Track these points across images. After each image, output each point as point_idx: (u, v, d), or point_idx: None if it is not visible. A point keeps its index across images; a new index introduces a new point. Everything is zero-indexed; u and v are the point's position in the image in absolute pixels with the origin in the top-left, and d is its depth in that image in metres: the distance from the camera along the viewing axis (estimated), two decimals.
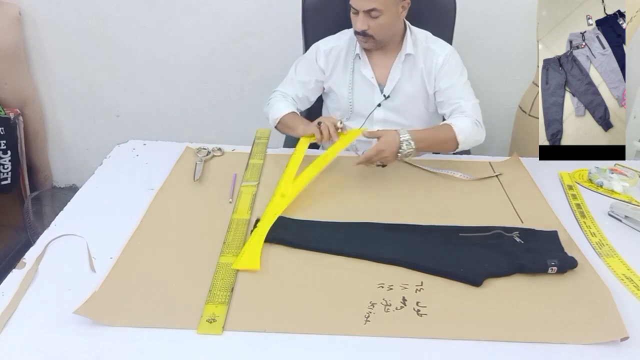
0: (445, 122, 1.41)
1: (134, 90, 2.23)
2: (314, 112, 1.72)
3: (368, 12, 1.35)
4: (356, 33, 1.41)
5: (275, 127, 1.49)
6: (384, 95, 1.49)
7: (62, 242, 1.04)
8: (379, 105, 1.50)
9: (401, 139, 1.28)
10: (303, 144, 1.34)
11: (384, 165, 1.34)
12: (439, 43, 1.49)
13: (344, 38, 1.51)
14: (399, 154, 1.28)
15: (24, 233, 1.92)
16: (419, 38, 1.48)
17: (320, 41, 1.56)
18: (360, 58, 1.49)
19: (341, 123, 1.32)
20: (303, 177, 1.24)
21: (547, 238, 1.08)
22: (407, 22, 1.49)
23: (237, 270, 0.96)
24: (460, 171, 1.34)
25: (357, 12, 1.37)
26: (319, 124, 1.33)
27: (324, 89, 1.58)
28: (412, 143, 1.28)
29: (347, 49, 1.50)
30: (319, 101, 1.64)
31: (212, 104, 2.25)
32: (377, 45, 1.44)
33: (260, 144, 1.48)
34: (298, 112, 1.52)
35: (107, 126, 2.31)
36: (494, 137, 2.27)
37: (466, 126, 1.37)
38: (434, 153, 1.45)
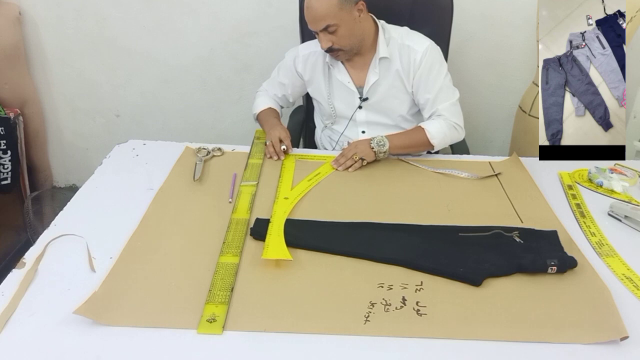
0: (419, 124, 1.44)
1: (134, 90, 2.23)
2: (311, 111, 1.72)
3: (325, 30, 1.34)
4: (325, 51, 1.40)
5: (256, 120, 1.61)
6: (360, 98, 1.49)
7: (62, 242, 1.04)
8: (360, 107, 1.51)
9: (372, 137, 1.38)
10: (291, 160, 1.42)
11: (362, 160, 1.36)
12: (416, 38, 1.45)
13: None
14: (372, 147, 1.36)
15: (24, 233, 1.92)
16: (393, 36, 1.44)
17: (302, 45, 1.56)
18: (332, 66, 1.48)
19: (282, 144, 1.42)
20: (299, 188, 1.26)
21: (547, 238, 1.08)
22: (381, 22, 1.46)
23: (237, 269, 0.96)
24: (464, 171, 1.35)
25: (317, 33, 1.36)
26: (265, 143, 1.44)
27: (308, 92, 1.60)
28: (383, 137, 1.38)
29: (323, 55, 1.48)
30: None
31: (212, 104, 2.25)
32: (349, 55, 1.43)
33: (259, 144, 1.48)
34: (279, 108, 1.63)
35: (107, 126, 2.32)
36: (494, 137, 2.28)
37: (440, 130, 1.42)
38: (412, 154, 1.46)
